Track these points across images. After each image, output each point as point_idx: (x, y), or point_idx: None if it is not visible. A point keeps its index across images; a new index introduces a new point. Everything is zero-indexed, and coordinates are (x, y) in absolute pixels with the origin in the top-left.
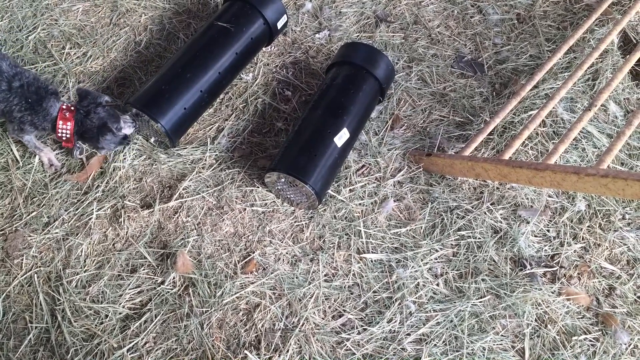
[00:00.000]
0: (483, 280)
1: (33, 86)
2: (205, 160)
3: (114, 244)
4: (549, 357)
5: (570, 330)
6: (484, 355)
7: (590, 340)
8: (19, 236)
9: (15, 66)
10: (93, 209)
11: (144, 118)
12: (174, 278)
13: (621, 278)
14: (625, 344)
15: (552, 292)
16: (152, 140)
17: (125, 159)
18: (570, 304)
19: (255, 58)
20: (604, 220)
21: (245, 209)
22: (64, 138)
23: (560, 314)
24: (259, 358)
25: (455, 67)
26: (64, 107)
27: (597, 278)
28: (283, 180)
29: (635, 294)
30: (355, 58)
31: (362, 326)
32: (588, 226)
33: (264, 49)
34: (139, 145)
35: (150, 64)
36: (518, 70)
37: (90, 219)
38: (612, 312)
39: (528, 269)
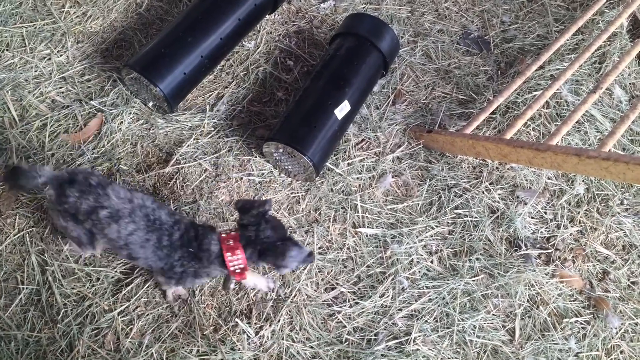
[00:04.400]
0: (477, 259)
1: (191, 231)
2: (204, 127)
3: None
4: (538, 337)
5: (562, 313)
6: (474, 333)
7: (581, 323)
8: (12, 195)
9: (173, 214)
10: None
11: (142, 81)
12: None
13: (616, 263)
14: (616, 328)
15: (546, 274)
16: (150, 104)
17: (122, 122)
18: (563, 286)
19: (258, 25)
20: (602, 204)
21: (242, 178)
22: (237, 270)
23: (553, 296)
24: (250, 327)
25: (461, 44)
26: (223, 235)
27: (592, 262)
28: (281, 150)
29: (628, 279)
30: (360, 29)
31: (354, 300)
32: (586, 210)
33: (267, 16)
34: (136, 109)
35: (150, 26)
36: (525, 49)
37: None
38: (604, 296)
39: (523, 250)
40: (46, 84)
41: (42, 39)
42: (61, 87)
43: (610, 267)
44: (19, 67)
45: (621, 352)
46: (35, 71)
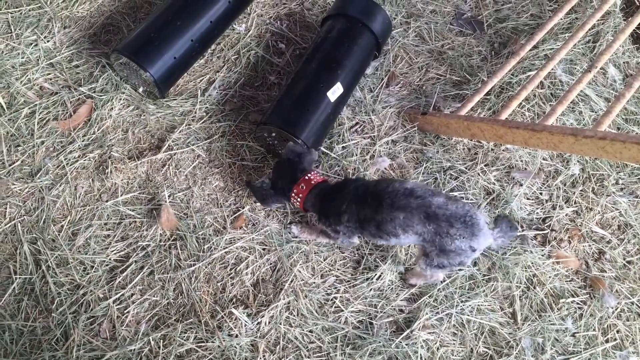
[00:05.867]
0: None
1: None
2: (196, 112)
3: (100, 195)
4: (535, 318)
5: (558, 293)
6: (472, 314)
7: (578, 303)
8: (2, 184)
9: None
10: (79, 159)
11: (132, 66)
12: (161, 231)
13: (611, 243)
14: (612, 308)
15: (542, 255)
16: (140, 90)
17: (112, 108)
18: (559, 267)
19: (248, 8)
20: (597, 184)
21: (235, 164)
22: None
23: (549, 277)
24: (246, 312)
25: (454, 25)
26: None
27: (588, 242)
28: (274, 135)
29: (624, 259)
30: (351, 10)
31: (351, 283)
32: (581, 190)
33: None
34: (126, 95)
35: (139, 10)
36: (518, 29)
37: (76, 169)
38: (600, 276)
39: (519, 232)
40: (34, 70)
41: (29, 25)
42: (49, 74)
43: (606, 247)
44: (5, 54)
45: (617, 332)
46: (22, 58)
